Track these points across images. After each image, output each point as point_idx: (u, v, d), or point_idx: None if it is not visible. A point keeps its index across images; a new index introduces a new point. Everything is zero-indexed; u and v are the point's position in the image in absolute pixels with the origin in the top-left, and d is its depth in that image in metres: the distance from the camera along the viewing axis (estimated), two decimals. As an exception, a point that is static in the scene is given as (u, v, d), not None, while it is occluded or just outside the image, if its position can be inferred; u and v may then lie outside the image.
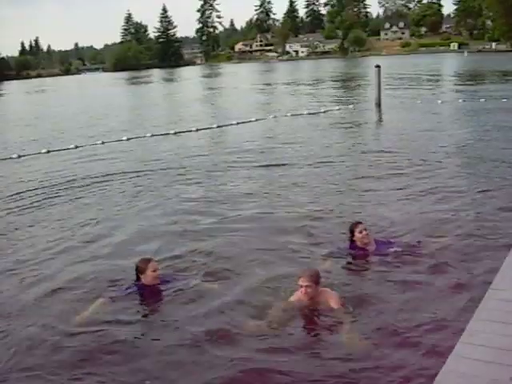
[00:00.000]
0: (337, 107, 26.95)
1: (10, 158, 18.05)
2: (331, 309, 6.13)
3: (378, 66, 25.95)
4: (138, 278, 6.95)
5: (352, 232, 7.80)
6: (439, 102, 26.67)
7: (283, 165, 14.43)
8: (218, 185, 12.86)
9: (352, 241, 7.81)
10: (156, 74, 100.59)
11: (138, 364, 5.48)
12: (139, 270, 6.93)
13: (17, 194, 12.94)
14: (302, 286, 6.18)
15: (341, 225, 8.94)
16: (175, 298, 6.85)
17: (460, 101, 26.41)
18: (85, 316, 6.45)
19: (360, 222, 7.91)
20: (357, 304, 6.34)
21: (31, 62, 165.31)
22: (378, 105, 25.88)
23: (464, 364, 4.23)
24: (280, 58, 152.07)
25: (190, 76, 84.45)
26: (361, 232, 7.71)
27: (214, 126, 22.87)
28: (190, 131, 21.97)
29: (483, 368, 4.16)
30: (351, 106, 27.10)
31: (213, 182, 13.12)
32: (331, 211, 10.12)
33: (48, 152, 18.64)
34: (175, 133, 21.67)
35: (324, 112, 25.55)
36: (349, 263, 7.65)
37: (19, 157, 18.12)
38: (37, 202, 12.15)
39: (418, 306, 6.26)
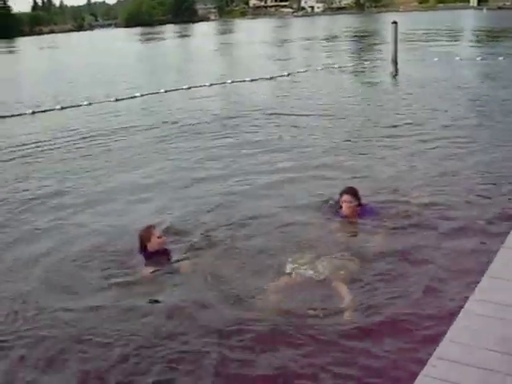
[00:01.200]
0: (351, 63, 26.66)
1: (25, 113, 18.15)
2: None
3: (394, 23, 25.47)
4: (144, 248, 6.72)
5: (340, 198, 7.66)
6: (457, 59, 26.21)
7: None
8: (230, 141, 12.85)
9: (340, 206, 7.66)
10: (169, 30, 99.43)
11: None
12: (144, 239, 6.72)
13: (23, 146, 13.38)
14: None
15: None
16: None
17: (478, 59, 25.92)
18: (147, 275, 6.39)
19: (347, 192, 7.57)
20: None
21: (44, 18, 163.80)
22: (395, 62, 25.48)
23: (474, 321, 4.25)
24: (295, 13, 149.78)
25: (205, 32, 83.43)
26: (344, 201, 7.49)
27: (229, 81, 22.84)
28: (203, 86, 21.98)
29: (493, 325, 4.18)
30: (367, 63, 26.74)
31: (223, 138, 13.13)
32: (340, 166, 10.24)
33: (62, 109, 18.71)
34: (189, 87, 21.73)
35: (338, 68, 25.33)
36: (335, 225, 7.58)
37: (33, 113, 18.23)
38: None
39: (423, 268, 6.23)
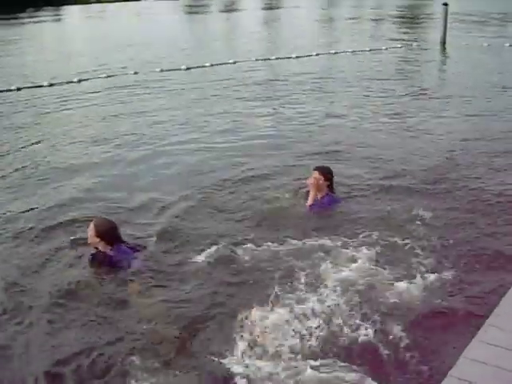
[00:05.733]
0: (399, 45, 26.18)
1: (72, 81, 18.39)
2: None
3: (445, 4, 24.97)
4: None
5: None
6: (507, 45, 25.46)
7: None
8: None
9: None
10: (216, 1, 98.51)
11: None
12: None
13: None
14: None
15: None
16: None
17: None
18: None
19: (318, 169, 7.49)
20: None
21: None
22: (443, 44, 25.03)
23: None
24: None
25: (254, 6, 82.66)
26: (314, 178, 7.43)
27: (273, 58, 22.69)
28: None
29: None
30: (414, 45, 26.24)
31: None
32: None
33: (107, 77, 18.92)
34: (234, 62, 21.71)
35: (386, 49, 24.90)
36: None
37: (79, 81, 18.45)
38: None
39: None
